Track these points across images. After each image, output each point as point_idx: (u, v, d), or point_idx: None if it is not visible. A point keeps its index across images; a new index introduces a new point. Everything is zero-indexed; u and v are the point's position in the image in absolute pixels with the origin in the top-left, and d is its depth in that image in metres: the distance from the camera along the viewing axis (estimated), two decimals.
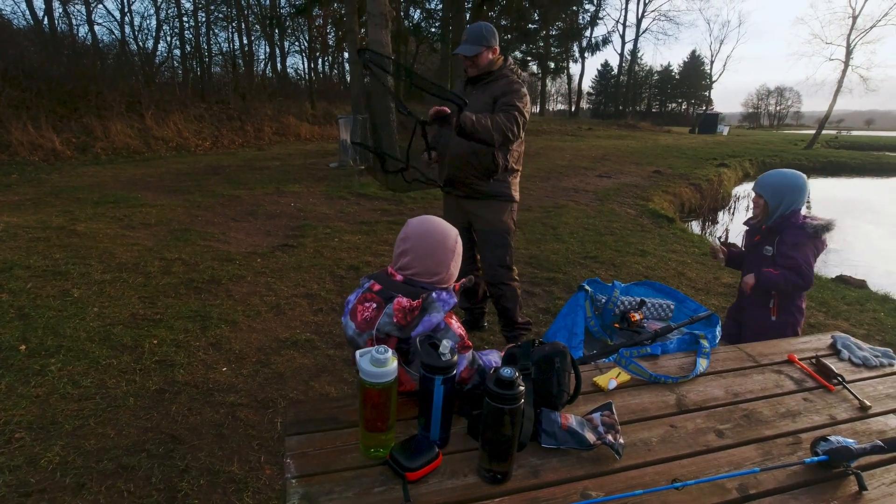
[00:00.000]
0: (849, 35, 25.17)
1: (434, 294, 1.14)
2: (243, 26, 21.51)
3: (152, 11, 18.73)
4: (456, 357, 1.01)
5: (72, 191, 6.88)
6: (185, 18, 19.19)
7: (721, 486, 0.96)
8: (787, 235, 2.02)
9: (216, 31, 21.34)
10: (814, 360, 1.48)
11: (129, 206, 6.13)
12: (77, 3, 16.46)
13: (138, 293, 3.55)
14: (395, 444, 1.01)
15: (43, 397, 2.35)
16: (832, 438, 1.03)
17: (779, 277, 1.94)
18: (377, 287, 1.18)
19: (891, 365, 1.53)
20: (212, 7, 20.20)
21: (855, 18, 24.95)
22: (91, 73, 13.18)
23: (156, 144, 11.87)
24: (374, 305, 1.15)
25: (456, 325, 1.16)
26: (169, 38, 19.62)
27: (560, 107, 60.64)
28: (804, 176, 2.07)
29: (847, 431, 1.18)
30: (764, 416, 1.22)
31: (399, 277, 1.20)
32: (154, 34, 18.88)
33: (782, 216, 2.05)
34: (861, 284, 5.01)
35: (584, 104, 51.26)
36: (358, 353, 1.01)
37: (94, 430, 2.16)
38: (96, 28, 17.95)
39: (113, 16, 18.68)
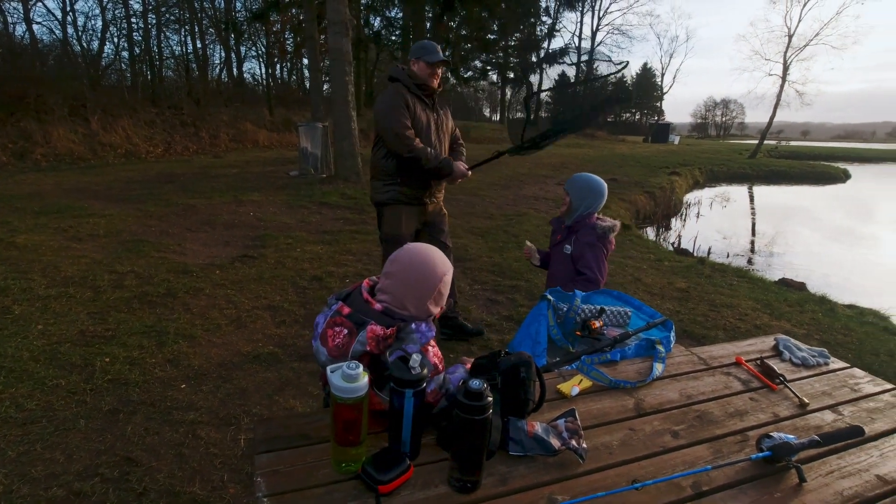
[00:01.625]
0: (785, 52, 26.97)
1: (413, 325, 1.14)
2: (197, 30, 20.91)
3: (97, 11, 17.86)
4: (426, 370, 1.03)
5: (9, 199, 6.50)
6: (133, 20, 18.46)
7: (677, 485, 1.02)
8: (581, 235, 2.30)
9: (168, 33, 20.67)
10: (758, 362, 1.58)
11: (75, 216, 5.84)
12: (12, 1, 15.55)
13: (87, 309, 3.39)
14: (366, 457, 1.02)
15: None
16: (775, 435, 1.11)
17: (580, 287, 2.13)
18: (347, 310, 1.14)
19: (826, 364, 1.65)
20: (162, 9, 19.54)
21: (790, 37, 26.76)
22: (30, 75, 12.50)
23: (103, 151, 11.35)
24: (346, 331, 1.12)
25: (432, 352, 1.15)
26: (116, 40, 18.81)
27: (519, 115, 61.69)
28: (605, 184, 2.41)
29: (788, 428, 1.27)
30: (715, 417, 1.30)
31: (377, 306, 1.17)
32: (100, 35, 18.06)
33: (580, 216, 2.33)
34: (801, 287, 5.35)
35: (542, 113, 52.41)
36: (329, 368, 1.01)
37: (41, 455, 2.05)
38: (35, 27, 16.97)
39: (53, 15, 17.76)
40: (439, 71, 2.73)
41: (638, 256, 5.75)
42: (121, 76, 18.22)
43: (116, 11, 18.23)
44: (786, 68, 26.96)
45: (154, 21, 19.18)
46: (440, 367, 1.15)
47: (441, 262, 1.25)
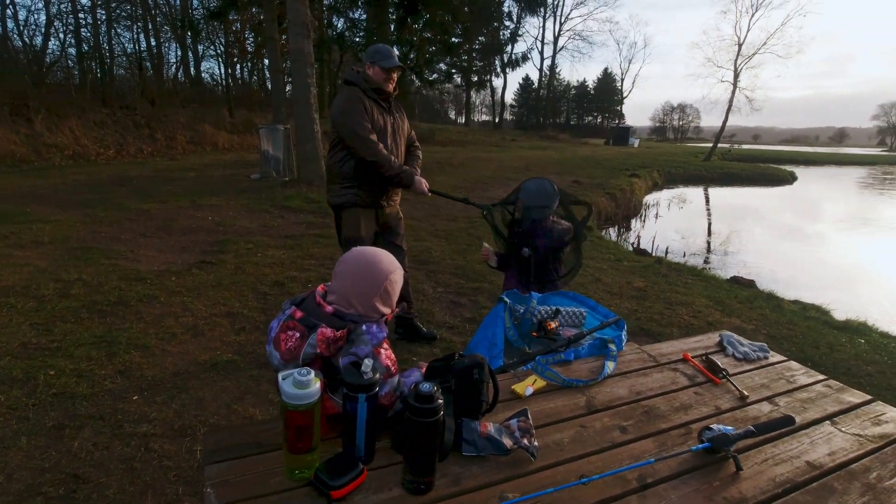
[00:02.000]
0: (736, 60, 28.19)
1: (363, 326, 1.14)
2: (150, 27, 20.18)
3: (41, 5, 16.94)
4: (378, 375, 1.04)
5: None
6: (81, 15, 17.65)
7: (623, 478, 1.06)
8: (537, 239, 2.35)
9: (119, 30, 19.86)
10: (703, 358, 1.66)
11: (17, 221, 5.53)
12: None
13: (30, 320, 3.22)
14: (319, 463, 1.02)
15: None
16: (714, 427, 1.17)
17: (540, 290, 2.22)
18: (299, 314, 1.15)
19: (766, 358, 1.75)
20: (113, 4, 18.76)
21: (740, 46, 27.99)
22: None
23: (48, 152, 10.81)
24: (297, 335, 1.12)
25: (384, 354, 1.16)
26: (62, 36, 17.92)
27: (485, 118, 62.39)
28: (553, 185, 2.45)
29: (728, 419, 1.34)
30: (661, 411, 1.35)
31: (328, 308, 1.17)
32: (43, 31, 17.16)
33: (534, 221, 2.38)
34: (751, 284, 5.60)
35: (507, 116, 53.17)
36: (280, 375, 1.01)
37: None
38: None
39: None
40: (395, 75, 2.73)
41: (599, 257, 5.90)
42: (67, 74, 17.37)
43: (62, 6, 17.41)
44: (736, 75, 28.20)
45: (104, 17, 18.41)
46: (393, 369, 1.16)
47: (388, 262, 1.26)
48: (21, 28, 17.06)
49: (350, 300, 1.20)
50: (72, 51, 17.93)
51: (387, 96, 2.75)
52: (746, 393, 1.46)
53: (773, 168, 27.45)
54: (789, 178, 24.30)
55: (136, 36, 20.55)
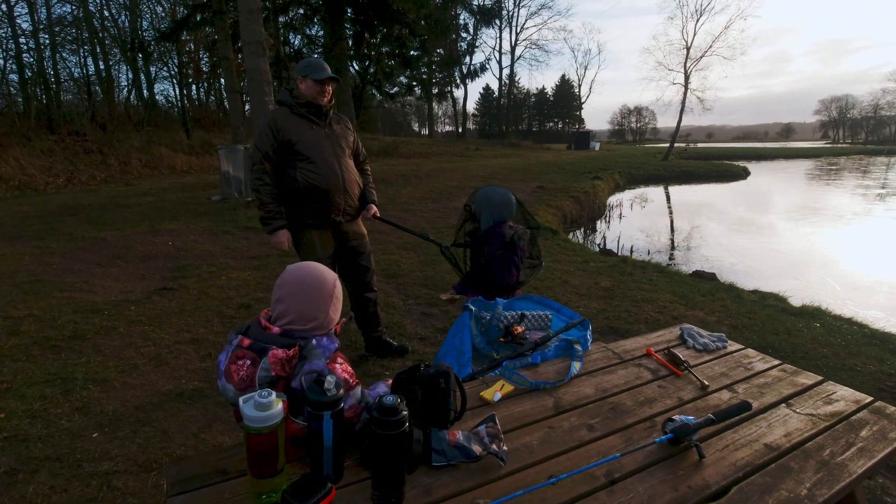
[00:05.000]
0: (685, 63, 29.41)
1: (314, 341, 1.14)
2: (98, 50, 19.56)
3: None
4: (342, 391, 1.03)
5: None
6: (22, 40, 16.96)
7: (591, 475, 1.08)
8: (491, 246, 2.34)
9: (64, 54, 19.15)
10: (666, 351, 1.71)
11: None
12: None
13: None
14: (286, 485, 0.99)
15: None
16: (676, 418, 1.21)
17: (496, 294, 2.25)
18: (247, 342, 1.14)
19: (724, 347, 1.81)
20: (56, 28, 18.12)
21: (688, 49, 29.22)
22: None
23: None
24: (248, 362, 1.11)
25: (340, 368, 1.15)
26: (2, 62, 17.15)
27: (448, 128, 62.95)
28: (507, 193, 2.48)
29: (691, 409, 1.38)
30: (627, 407, 1.38)
31: (275, 330, 1.17)
32: None
33: (489, 227, 2.40)
34: (712, 277, 5.79)
35: (470, 125, 53.79)
36: (241, 399, 0.99)
37: None
38: None
39: None
40: (328, 87, 2.69)
41: (566, 259, 6.00)
42: (9, 101, 16.60)
43: (1, 31, 16.70)
44: (687, 77, 29.41)
45: (47, 41, 17.74)
46: (352, 381, 1.15)
47: (327, 270, 1.30)
48: None
49: (305, 315, 1.20)
50: (13, 77, 17.20)
51: (319, 109, 2.72)
52: (707, 383, 1.51)
53: (727, 164, 28.63)
54: (743, 174, 25.36)
55: (83, 60, 19.87)
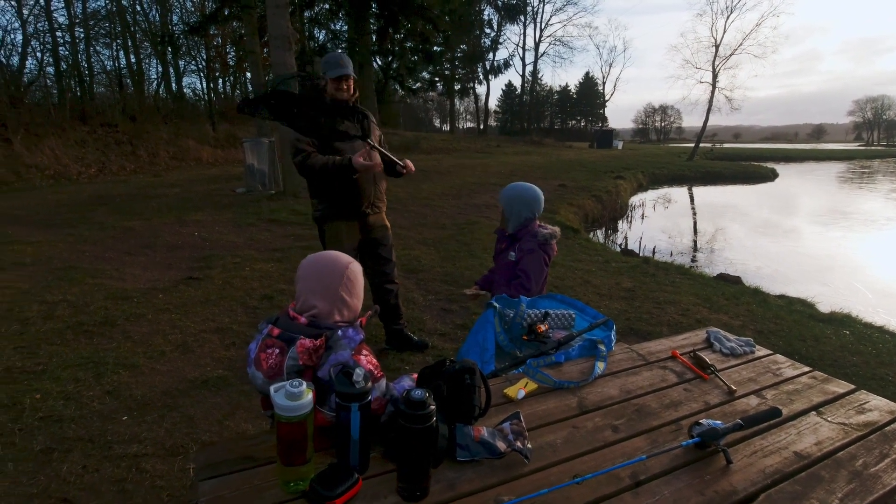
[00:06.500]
0: (713, 61, 28.74)
1: (339, 332, 1.16)
2: (130, 44, 20.02)
3: (17, 25, 16.73)
4: (370, 384, 1.04)
5: None
6: (58, 34, 17.47)
7: (615, 476, 1.08)
8: (524, 243, 2.32)
9: (98, 48, 19.66)
10: (692, 354, 1.68)
11: None
12: None
13: (13, 343, 3.16)
14: (313, 474, 1.01)
15: None
16: (703, 422, 1.19)
17: (513, 292, 2.23)
18: (276, 331, 1.17)
19: (752, 352, 1.78)
20: (91, 22, 18.61)
21: (717, 47, 28.56)
22: None
23: (28, 173, 10.65)
24: (277, 351, 1.14)
25: (365, 360, 1.17)
26: (39, 55, 17.70)
27: (469, 124, 62.73)
28: (535, 189, 2.40)
29: (718, 414, 1.36)
30: (652, 409, 1.37)
31: (303, 320, 1.20)
32: (20, 50, 16.95)
33: (520, 225, 2.36)
34: (737, 281, 5.68)
35: (491, 122, 53.55)
36: (272, 388, 1.01)
37: None
38: None
39: None
40: (345, 84, 2.70)
41: (587, 259, 5.95)
42: (46, 93, 17.13)
43: (39, 25, 17.22)
44: (715, 76, 28.75)
45: (82, 35, 18.23)
46: (377, 373, 1.17)
47: (342, 256, 1.32)
48: None
49: (315, 297, 1.23)
50: (50, 70, 17.74)
51: (346, 104, 2.75)
52: (734, 387, 1.49)
53: (754, 166, 27.95)
54: (771, 175, 24.75)
55: (115, 53, 20.40)
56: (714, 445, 1.15)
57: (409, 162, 2.90)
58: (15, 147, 10.96)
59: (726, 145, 51.09)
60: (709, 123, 30.17)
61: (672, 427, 1.29)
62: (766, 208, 15.24)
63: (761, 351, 1.79)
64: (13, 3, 16.62)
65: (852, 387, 1.53)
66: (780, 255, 8.66)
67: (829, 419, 1.34)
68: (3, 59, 16.70)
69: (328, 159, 2.64)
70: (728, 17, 30.01)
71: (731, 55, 28.65)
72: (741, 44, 28.80)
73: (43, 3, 16.87)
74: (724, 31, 33.51)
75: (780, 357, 1.75)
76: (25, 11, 16.82)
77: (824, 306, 4.74)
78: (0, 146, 10.85)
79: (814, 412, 1.38)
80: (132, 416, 2.49)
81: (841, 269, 7.73)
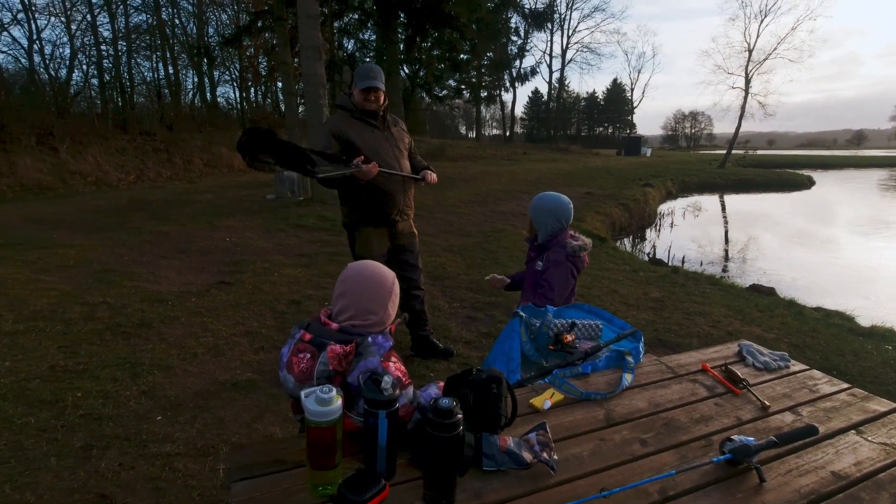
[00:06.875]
0: (746, 66, 28.04)
1: (369, 338, 1.18)
2: (168, 55, 20.81)
3: (66, 40, 17.61)
4: (398, 391, 1.06)
5: None
6: (103, 47, 18.30)
7: (644, 491, 1.06)
8: (551, 253, 2.30)
9: (138, 60, 20.49)
10: (723, 368, 1.65)
11: (42, 247, 5.70)
12: None
13: (57, 343, 3.31)
14: (341, 479, 1.03)
15: None
16: (736, 438, 1.17)
17: (536, 301, 2.19)
18: (308, 336, 1.19)
19: (787, 367, 1.72)
20: (133, 36, 19.44)
21: (750, 52, 27.86)
22: None
23: (72, 180, 11.14)
24: (308, 355, 1.17)
25: (394, 367, 1.19)
26: (85, 68, 18.56)
27: (495, 132, 62.72)
28: (564, 199, 2.36)
29: (750, 430, 1.32)
30: (681, 423, 1.35)
31: (334, 326, 1.22)
32: (68, 63, 17.81)
33: (550, 234, 2.33)
34: (771, 292, 5.51)
35: (517, 129, 53.40)
36: (303, 393, 1.03)
37: (9, 497, 1.98)
38: (0, 56, 16.65)
39: (20, 44, 17.40)
40: (373, 95, 2.74)
41: (614, 268, 5.87)
42: (90, 104, 17.94)
43: (85, 39, 18.07)
44: (748, 81, 28.03)
45: (124, 48, 19.04)
46: (405, 380, 1.19)
47: (386, 268, 1.35)
48: (47, 62, 17.74)
49: (365, 309, 1.25)
50: (94, 81, 18.57)
51: (375, 113, 2.79)
52: (768, 403, 1.45)
53: (789, 173, 27.10)
54: (807, 183, 23.95)
55: (154, 65, 21.22)
56: (746, 463, 1.12)
57: (427, 172, 2.94)
58: (61, 155, 11.50)
59: (760, 152, 49.67)
60: (741, 130, 29.41)
61: (702, 442, 1.26)
62: (801, 217, 14.74)
63: (797, 366, 1.74)
64: (62, 19, 17.51)
65: (895, 405, 1.47)
66: (816, 265, 8.36)
67: (869, 439, 1.30)
68: (52, 73, 17.60)
69: (335, 170, 2.68)
70: (762, 22, 29.17)
71: (764, 60, 27.91)
72: (776, 48, 28.01)
73: (90, 19, 17.72)
74: (758, 36, 32.67)
75: (816, 372, 1.70)
76: (73, 26, 17.70)
77: (865, 320, 4.55)
78: (48, 154, 11.39)
79: (853, 431, 1.33)
80: (166, 416, 2.57)
81: (883, 280, 7.41)
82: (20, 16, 16.71)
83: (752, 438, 1.16)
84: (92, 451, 2.27)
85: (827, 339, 3.92)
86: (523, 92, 75.68)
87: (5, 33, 16.80)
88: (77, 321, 3.65)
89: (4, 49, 18.26)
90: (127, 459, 2.23)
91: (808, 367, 1.73)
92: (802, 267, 8.11)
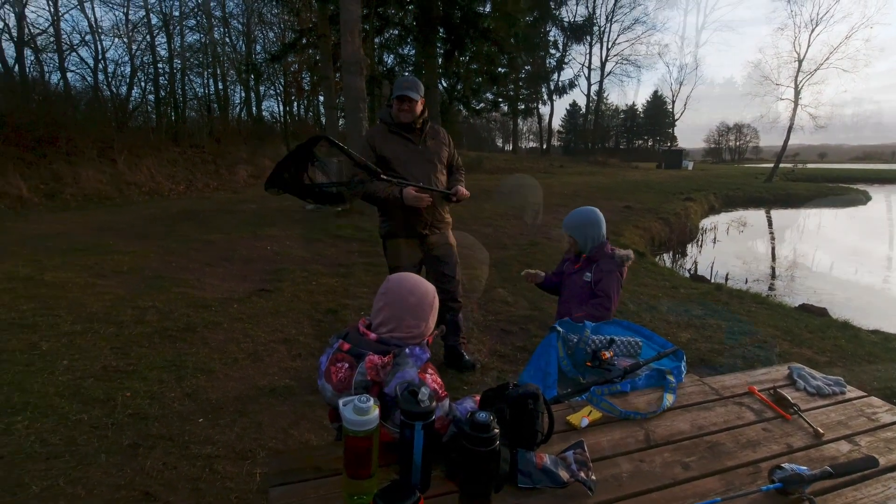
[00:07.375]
0: (796, 77, 26.94)
1: (407, 350, 1.19)
2: (218, 72, 21.83)
3: (127, 59, 18.82)
4: (435, 403, 1.06)
5: (39, 239, 6.74)
6: (160, 65, 19.39)
7: None
8: (602, 263, 2.39)
9: (191, 76, 21.57)
10: (772, 391, 1.57)
11: (100, 253, 6.03)
12: (49, 52, 16.55)
13: (110, 344, 3.48)
14: (377, 490, 1.04)
15: (8, 457, 2.26)
16: (786, 466, 1.11)
17: (593, 311, 2.27)
18: (346, 346, 1.22)
19: (842, 393, 1.63)
20: (187, 55, 20.52)
21: (800, 62, 26.79)
22: (62, 120, 13.10)
23: (128, 190, 11.77)
24: (347, 365, 1.19)
25: (430, 378, 1.20)
26: (143, 84, 19.73)
27: (532, 144, 62.40)
28: (597, 210, 2.48)
29: (802, 459, 1.25)
30: (726, 448, 1.29)
31: (372, 336, 1.24)
32: (128, 81, 18.96)
33: (595, 247, 2.42)
34: (822, 312, 5.23)
35: (554, 141, 53.03)
36: (341, 402, 1.05)
37: (63, 490, 2.09)
38: (69, 75, 17.90)
39: (87, 63, 18.68)
40: (406, 105, 2.76)
41: (653, 284, 5.71)
42: (146, 118, 19.00)
43: (145, 58, 19.21)
44: (797, 92, 26.91)
45: (179, 65, 20.10)
46: (441, 392, 1.19)
47: (425, 281, 1.37)
48: (109, 79, 18.93)
49: (406, 323, 1.26)
50: (151, 97, 19.67)
51: (411, 126, 2.83)
52: (821, 430, 1.37)
53: (842, 187, 25.77)
54: (862, 199, 22.67)
55: (206, 81, 22.29)
56: (798, 493, 1.07)
57: (460, 189, 2.94)
58: (119, 166, 12.18)
59: (810, 165, 47.34)
60: (790, 142, 28.21)
61: (749, 469, 1.20)
62: (856, 234, 13.96)
63: (853, 392, 1.64)
64: (125, 39, 18.69)
65: None
66: (873, 286, 7.88)
67: None
68: (113, 89, 18.75)
69: (382, 189, 2.76)
70: (813, 31, 28.01)
71: (815, 70, 26.73)
72: (828, 58, 26.82)
73: (149, 39, 18.86)
74: (809, 45, 31.31)
75: (875, 400, 1.60)
76: (134, 46, 18.87)
77: None
78: (107, 165, 12.10)
79: None
80: (207, 419, 2.65)
81: None
82: (87, 38, 17.94)
83: (804, 467, 1.10)
84: (139, 449, 2.37)
85: (886, 364, 3.68)
86: (561, 104, 75.07)
87: (74, 54, 17.99)
88: (128, 324, 3.84)
89: (73, 68, 19.61)
90: (170, 459, 2.31)
91: (865, 394, 1.63)
92: (857, 286, 7.66)
